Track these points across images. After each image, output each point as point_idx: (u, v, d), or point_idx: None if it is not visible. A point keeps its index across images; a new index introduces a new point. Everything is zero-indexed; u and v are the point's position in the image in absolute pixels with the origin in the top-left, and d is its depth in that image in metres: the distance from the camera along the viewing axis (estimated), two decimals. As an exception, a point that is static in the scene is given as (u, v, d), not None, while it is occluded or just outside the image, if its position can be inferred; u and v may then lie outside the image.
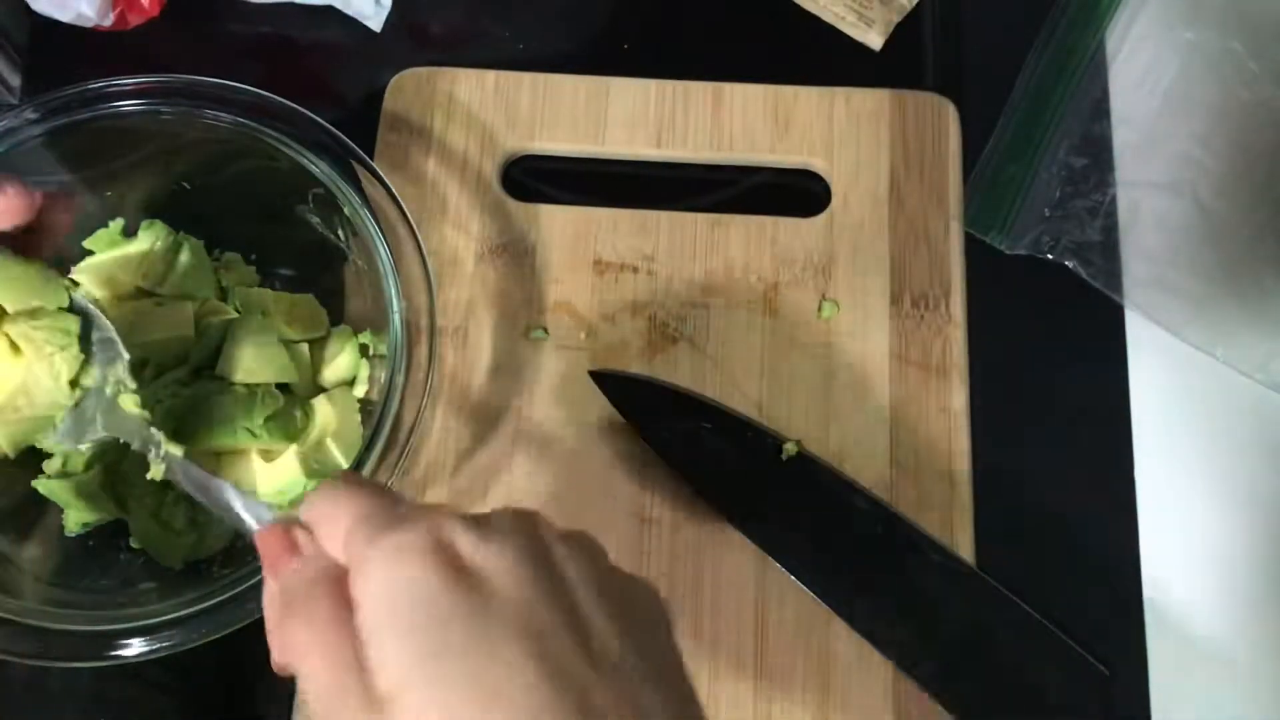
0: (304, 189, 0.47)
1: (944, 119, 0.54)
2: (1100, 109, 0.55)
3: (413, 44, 0.58)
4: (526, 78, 0.55)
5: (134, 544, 0.46)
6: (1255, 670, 0.48)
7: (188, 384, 0.47)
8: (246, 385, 0.47)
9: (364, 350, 0.49)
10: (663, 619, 0.30)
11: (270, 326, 0.48)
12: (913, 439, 0.49)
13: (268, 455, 0.47)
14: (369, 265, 0.46)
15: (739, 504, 0.48)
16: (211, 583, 0.41)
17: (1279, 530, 0.49)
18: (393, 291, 0.44)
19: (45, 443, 0.44)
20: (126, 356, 0.42)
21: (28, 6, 0.56)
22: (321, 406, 0.48)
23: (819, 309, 0.51)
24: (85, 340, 0.42)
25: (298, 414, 0.47)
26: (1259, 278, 0.52)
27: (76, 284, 0.42)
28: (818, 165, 0.54)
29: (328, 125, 0.46)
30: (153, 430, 0.40)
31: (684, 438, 0.48)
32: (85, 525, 0.46)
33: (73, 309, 0.42)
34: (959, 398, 0.50)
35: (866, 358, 0.51)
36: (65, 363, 0.41)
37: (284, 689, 0.46)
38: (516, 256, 0.53)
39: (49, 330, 0.41)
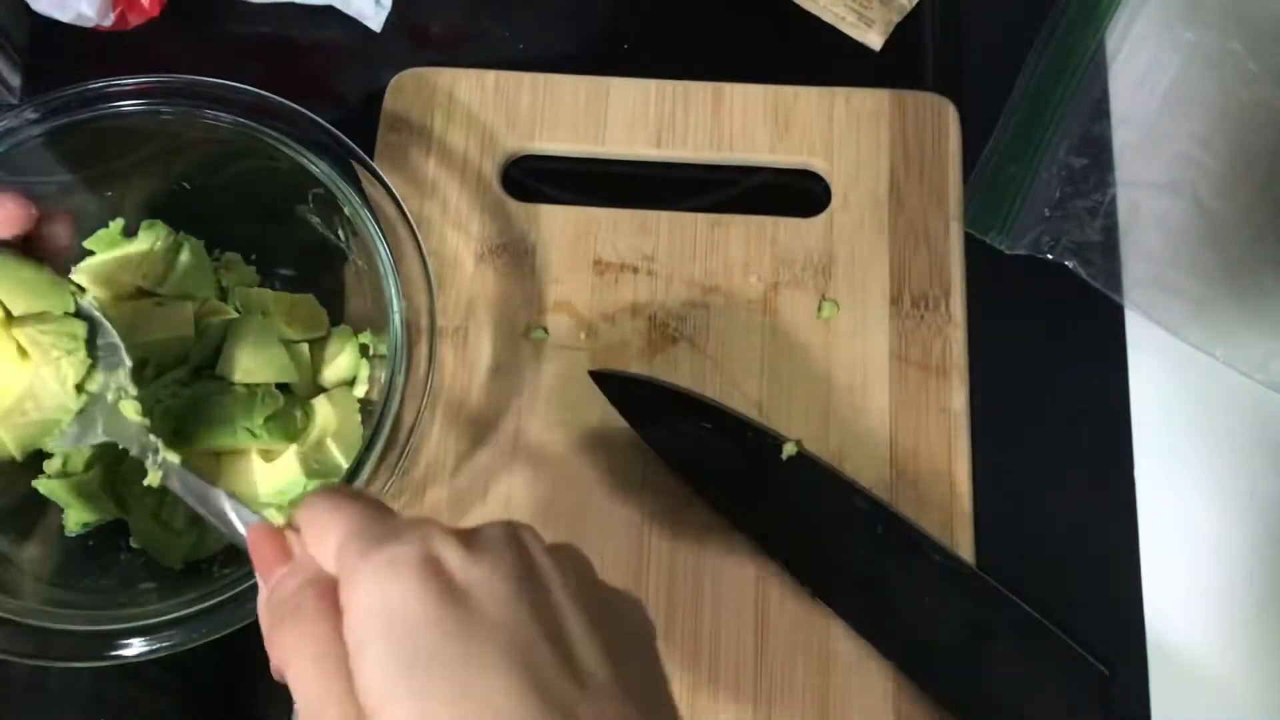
0: (304, 189, 0.47)
1: (944, 119, 0.54)
2: (1100, 109, 0.55)
3: (413, 44, 0.58)
4: (526, 78, 0.55)
5: (134, 544, 0.46)
6: (1255, 671, 0.47)
7: (188, 384, 0.47)
8: (246, 385, 0.47)
9: (364, 350, 0.49)
10: (648, 635, 0.31)
11: (270, 326, 0.48)
12: (913, 439, 0.49)
13: (268, 455, 0.47)
14: (369, 265, 0.46)
15: (739, 504, 0.48)
16: (211, 583, 0.41)
17: (1279, 530, 0.49)
18: (393, 291, 0.44)
19: (50, 445, 0.44)
20: (129, 363, 0.42)
21: (28, 6, 0.56)
22: (321, 406, 0.48)
23: (819, 309, 0.51)
24: (91, 345, 0.42)
25: (298, 414, 0.47)
26: (1259, 278, 0.52)
27: (83, 290, 0.42)
28: (818, 165, 0.54)
29: (328, 125, 0.46)
30: (151, 437, 0.40)
31: (684, 438, 0.48)
32: (85, 525, 0.46)
33: (79, 314, 0.42)
34: (959, 398, 0.50)
35: (866, 358, 0.51)
36: (72, 367, 0.41)
37: (284, 689, 0.46)
38: (516, 256, 0.53)
39: (56, 334, 0.41)
